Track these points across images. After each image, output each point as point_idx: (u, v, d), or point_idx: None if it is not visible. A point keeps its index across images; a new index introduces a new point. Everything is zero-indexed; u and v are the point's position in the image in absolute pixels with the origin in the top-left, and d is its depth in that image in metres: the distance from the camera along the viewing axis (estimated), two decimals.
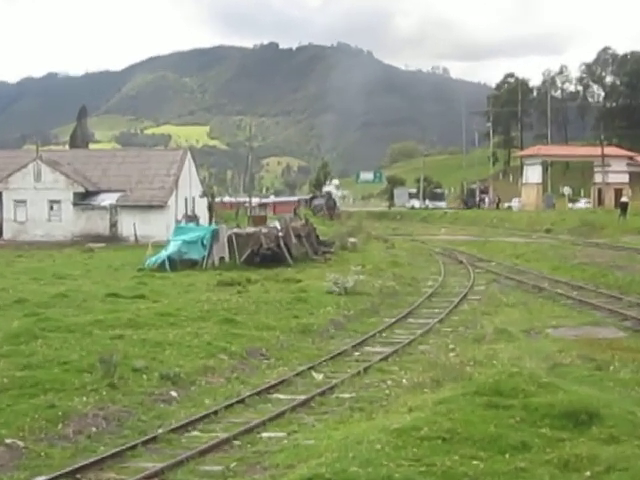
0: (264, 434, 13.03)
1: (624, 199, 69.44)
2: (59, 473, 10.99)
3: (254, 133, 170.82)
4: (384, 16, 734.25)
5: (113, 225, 60.64)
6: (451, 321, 24.48)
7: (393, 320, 24.57)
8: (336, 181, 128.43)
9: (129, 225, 58.93)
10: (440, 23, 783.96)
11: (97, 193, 62.49)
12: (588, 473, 9.01)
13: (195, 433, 13.30)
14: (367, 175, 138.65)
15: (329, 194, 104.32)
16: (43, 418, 13.19)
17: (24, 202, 61.27)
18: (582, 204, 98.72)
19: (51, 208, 61.45)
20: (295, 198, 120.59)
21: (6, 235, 61.24)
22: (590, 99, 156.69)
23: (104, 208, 60.93)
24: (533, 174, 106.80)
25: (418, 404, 12.01)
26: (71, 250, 52.12)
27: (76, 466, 11.26)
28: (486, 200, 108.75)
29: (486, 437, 10.02)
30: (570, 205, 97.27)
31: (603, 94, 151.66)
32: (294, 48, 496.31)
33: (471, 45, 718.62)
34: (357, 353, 19.95)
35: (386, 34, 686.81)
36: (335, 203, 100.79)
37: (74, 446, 12.53)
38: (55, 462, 11.74)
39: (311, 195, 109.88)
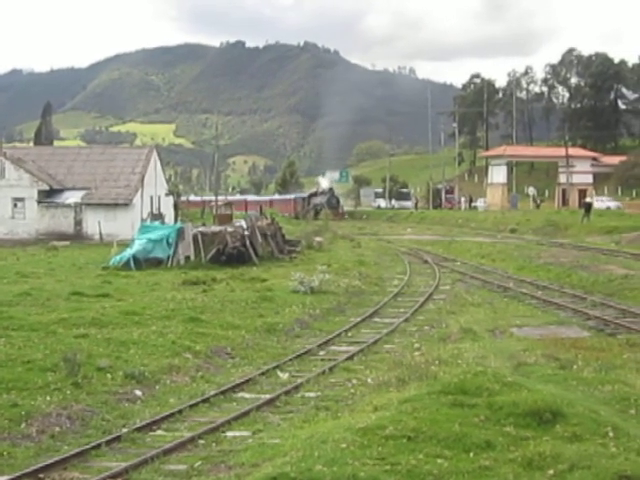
0: (229, 433, 13.01)
1: (588, 199, 70.13)
2: (22, 473, 10.88)
3: (220, 131, 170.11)
4: (352, 16, 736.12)
5: (78, 223, 60.12)
6: (417, 320, 24.57)
7: (359, 319, 24.62)
8: (330, 176, 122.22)
9: (94, 223, 58.49)
10: (407, 23, 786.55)
11: (62, 191, 61.90)
12: (551, 471, 9.06)
13: (159, 432, 13.24)
14: (333, 174, 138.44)
15: (332, 191, 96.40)
16: (6, 417, 13.09)
17: None
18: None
19: (15, 206, 60.78)
20: (292, 196, 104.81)
21: None
22: (555, 100, 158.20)
23: (69, 206, 60.41)
24: (498, 174, 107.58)
25: (383, 403, 12.02)
26: (35, 248, 51.71)
27: (39, 466, 11.17)
28: (462, 200, 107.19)
29: (451, 436, 10.06)
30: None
31: (568, 95, 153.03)
32: (261, 47, 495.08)
33: (438, 46, 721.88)
34: (322, 352, 19.95)
35: (353, 34, 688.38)
36: (339, 201, 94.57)
37: (37, 445, 12.44)
38: (18, 462, 11.64)
39: (309, 192, 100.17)
